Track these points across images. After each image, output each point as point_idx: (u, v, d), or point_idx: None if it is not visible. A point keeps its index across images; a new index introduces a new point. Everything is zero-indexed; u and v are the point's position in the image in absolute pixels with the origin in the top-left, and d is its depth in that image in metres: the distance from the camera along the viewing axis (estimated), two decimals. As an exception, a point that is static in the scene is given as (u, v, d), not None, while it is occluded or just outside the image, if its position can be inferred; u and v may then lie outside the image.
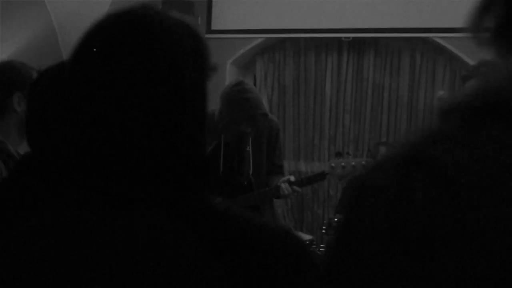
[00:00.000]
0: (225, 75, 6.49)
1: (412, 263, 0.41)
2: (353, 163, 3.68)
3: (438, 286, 0.40)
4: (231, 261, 0.89)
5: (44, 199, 0.98)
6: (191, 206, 0.93)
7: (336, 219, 3.97)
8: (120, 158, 0.91)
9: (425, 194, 0.41)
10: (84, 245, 0.89)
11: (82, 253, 0.89)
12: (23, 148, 2.42)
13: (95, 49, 0.92)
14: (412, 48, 6.46)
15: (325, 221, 4.90)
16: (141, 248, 0.88)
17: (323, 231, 4.31)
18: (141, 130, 0.90)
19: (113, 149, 0.91)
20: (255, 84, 6.98)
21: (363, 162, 3.70)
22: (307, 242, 3.78)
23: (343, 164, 3.66)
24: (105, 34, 0.93)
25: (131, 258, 0.87)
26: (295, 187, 3.64)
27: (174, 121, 0.91)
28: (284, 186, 3.61)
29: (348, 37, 6.48)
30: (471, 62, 5.06)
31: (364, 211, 0.45)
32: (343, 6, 6.29)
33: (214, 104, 3.44)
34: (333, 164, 3.70)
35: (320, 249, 3.84)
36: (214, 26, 6.73)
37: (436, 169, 0.41)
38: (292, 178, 3.69)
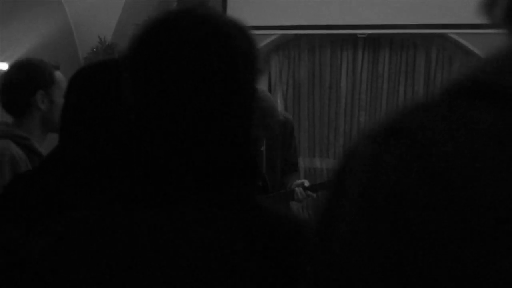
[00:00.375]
0: (240, 71, 6.47)
1: (380, 227, 0.42)
2: None
3: (406, 248, 0.41)
4: (273, 259, 0.89)
5: (86, 196, 0.99)
6: (240, 204, 0.94)
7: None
8: (174, 156, 0.91)
9: (397, 162, 0.42)
10: (132, 243, 0.89)
11: (132, 250, 0.89)
12: (46, 145, 2.44)
13: (155, 49, 0.91)
14: (428, 44, 6.43)
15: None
16: (188, 244, 0.88)
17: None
18: (197, 129, 0.90)
19: (167, 146, 0.91)
20: (269, 81, 6.97)
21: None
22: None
23: None
24: (166, 33, 0.92)
25: (177, 255, 0.87)
26: (309, 192, 3.65)
27: (228, 120, 0.92)
28: (299, 190, 3.62)
29: (364, 34, 6.46)
30: (488, 58, 5.02)
31: (342, 176, 0.47)
32: (359, 2, 6.27)
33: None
34: None
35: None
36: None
37: (411, 138, 0.42)
38: (306, 183, 3.69)
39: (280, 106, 6.85)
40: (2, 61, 5.62)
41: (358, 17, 6.29)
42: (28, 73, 2.45)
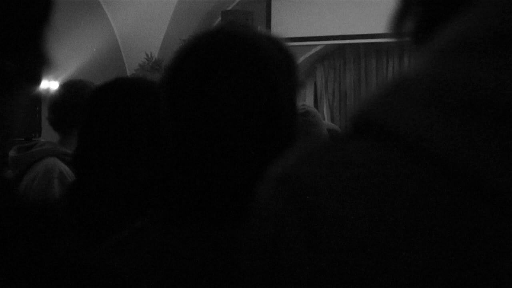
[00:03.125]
0: (286, 83, 6.48)
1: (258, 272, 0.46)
2: None
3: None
4: None
5: (136, 214, 0.99)
6: None
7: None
8: (216, 172, 0.92)
9: (280, 211, 0.44)
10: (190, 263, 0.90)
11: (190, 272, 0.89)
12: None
13: (191, 73, 0.92)
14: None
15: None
16: None
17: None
18: (238, 150, 0.91)
19: (210, 163, 0.91)
20: (315, 91, 6.96)
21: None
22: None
23: None
24: (201, 55, 0.92)
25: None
26: None
27: (269, 136, 0.92)
28: None
29: (409, 41, 6.39)
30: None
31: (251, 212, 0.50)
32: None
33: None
34: None
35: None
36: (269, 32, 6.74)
37: (294, 186, 0.44)
38: None
39: (326, 117, 6.83)
40: (54, 79, 5.75)
41: (403, 25, 6.23)
42: (79, 94, 2.51)
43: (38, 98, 3.60)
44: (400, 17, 0.49)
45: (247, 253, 0.49)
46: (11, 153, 2.51)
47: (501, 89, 0.36)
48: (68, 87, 2.58)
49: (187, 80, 0.92)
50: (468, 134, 0.37)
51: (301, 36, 6.58)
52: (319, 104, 7.00)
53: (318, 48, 6.73)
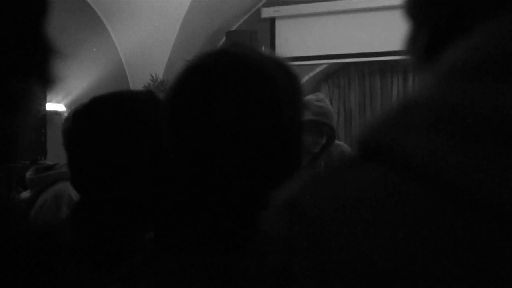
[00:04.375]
0: (290, 102, 6.50)
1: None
2: None
3: None
4: None
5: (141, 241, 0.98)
6: None
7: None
8: (219, 196, 0.91)
9: (287, 238, 0.44)
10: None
11: None
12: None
13: (193, 94, 0.91)
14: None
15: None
16: None
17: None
18: (240, 172, 0.90)
19: (213, 186, 0.90)
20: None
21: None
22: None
23: None
24: (204, 75, 0.92)
25: None
26: None
27: (273, 159, 0.91)
28: None
29: (413, 59, 6.40)
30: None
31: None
32: (405, 27, 6.22)
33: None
34: None
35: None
36: (278, 54, 6.76)
37: (301, 214, 0.44)
38: None
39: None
40: (58, 102, 5.77)
41: (407, 43, 6.24)
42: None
43: (44, 120, 3.61)
44: (411, 37, 0.49)
45: (256, 282, 0.48)
46: (28, 174, 2.54)
47: (509, 115, 0.36)
48: (75, 112, 2.59)
49: (190, 100, 0.91)
50: (476, 161, 0.36)
51: (306, 55, 6.60)
52: (324, 122, 7.00)
53: (322, 67, 6.74)
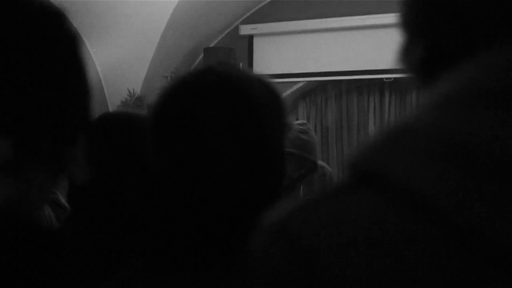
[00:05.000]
0: (268, 119, 6.50)
1: None
2: None
3: None
4: None
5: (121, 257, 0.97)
6: None
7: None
8: (203, 214, 0.90)
9: (278, 264, 0.44)
10: None
11: None
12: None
13: (179, 109, 0.90)
14: (455, 86, 6.40)
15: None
16: None
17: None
18: (224, 188, 0.89)
19: (196, 205, 0.90)
20: (297, 127, 6.97)
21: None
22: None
23: None
24: (189, 93, 0.91)
25: None
26: None
27: (257, 177, 0.90)
28: None
29: (390, 78, 6.47)
30: None
31: None
32: (383, 47, 6.29)
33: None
34: None
35: None
36: (256, 71, 6.78)
37: (291, 241, 0.43)
38: None
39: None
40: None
41: (383, 62, 6.31)
42: None
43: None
44: (405, 49, 0.49)
45: None
46: None
47: (505, 147, 0.35)
48: None
49: (174, 117, 0.91)
50: (473, 193, 0.35)
51: (283, 72, 6.63)
52: (301, 140, 7.01)
53: (300, 84, 6.77)
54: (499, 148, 0.35)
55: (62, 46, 0.59)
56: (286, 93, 6.79)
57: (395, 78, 6.46)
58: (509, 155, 0.35)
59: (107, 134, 1.27)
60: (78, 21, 6.34)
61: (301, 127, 3.57)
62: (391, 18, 5.94)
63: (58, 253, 0.61)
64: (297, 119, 6.97)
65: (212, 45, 7.12)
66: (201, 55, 6.92)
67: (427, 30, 0.46)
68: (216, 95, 0.90)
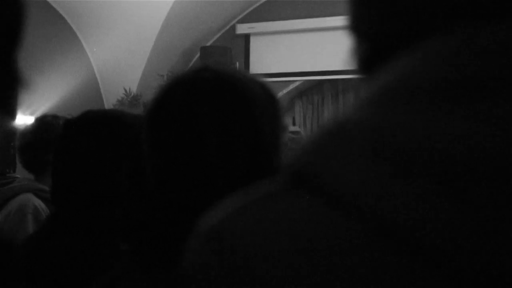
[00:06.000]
0: (264, 118, 6.52)
1: None
2: None
3: None
4: None
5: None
6: None
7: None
8: (197, 214, 0.89)
9: (211, 270, 0.43)
10: None
11: None
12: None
13: (174, 106, 0.90)
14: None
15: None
16: None
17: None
18: (218, 187, 0.89)
19: (190, 203, 0.89)
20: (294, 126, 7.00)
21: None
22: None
23: None
24: (185, 91, 0.91)
25: None
26: None
27: (252, 177, 0.90)
28: None
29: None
30: None
31: None
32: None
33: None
34: None
35: None
36: (252, 71, 6.80)
37: (226, 246, 0.42)
38: None
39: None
40: (30, 114, 5.71)
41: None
42: (43, 132, 2.49)
43: (13, 133, 3.57)
44: (353, 50, 0.48)
45: None
46: None
47: (444, 150, 0.33)
48: (32, 127, 2.56)
49: (169, 116, 0.91)
50: (404, 195, 0.34)
51: (280, 71, 6.63)
52: (298, 139, 7.03)
53: (296, 83, 6.77)
54: (423, 146, 0.34)
55: None
56: (282, 92, 6.79)
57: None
58: (436, 152, 0.34)
59: (111, 130, 1.26)
60: (75, 21, 6.35)
61: (292, 135, 3.56)
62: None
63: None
64: (293, 124, 6.98)
65: (208, 44, 7.12)
66: (198, 54, 6.92)
67: (367, 31, 0.45)
68: (211, 92, 0.90)
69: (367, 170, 0.36)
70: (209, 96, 0.90)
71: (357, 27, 0.46)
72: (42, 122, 2.54)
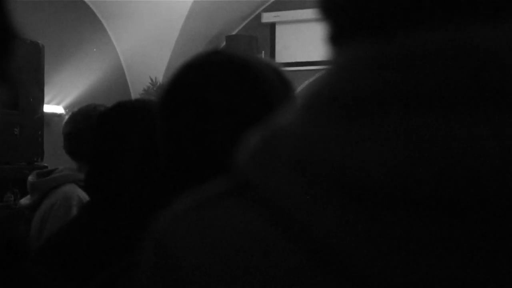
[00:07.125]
0: (290, 107, 6.50)
1: None
2: None
3: None
4: None
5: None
6: None
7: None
8: None
9: (148, 274, 0.44)
10: None
11: None
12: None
13: (186, 90, 0.90)
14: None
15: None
16: None
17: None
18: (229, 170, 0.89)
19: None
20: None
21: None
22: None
23: None
24: (196, 73, 0.91)
25: None
26: None
27: None
28: None
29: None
30: None
31: None
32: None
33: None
34: None
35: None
36: (278, 60, 6.78)
37: (159, 251, 0.43)
38: None
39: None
40: (56, 104, 5.76)
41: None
42: (88, 122, 2.50)
43: (41, 122, 3.59)
44: (326, 40, 0.48)
45: None
46: (30, 178, 2.52)
47: (367, 166, 0.33)
48: (82, 115, 2.57)
49: (181, 99, 0.91)
50: (329, 209, 0.34)
51: (306, 60, 6.60)
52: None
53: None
54: (336, 162, 0.34)
55: None
56: (308, 81, 6.75)
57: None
58: (347, 168, 0.34)
59: (122, 124, 1.27)
60: (99, 9, 6.38)
61: None
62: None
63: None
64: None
65: (234, 32, 7.11)
66: (223, 43, 6.92)
67: (331, 10, 0.45)
68: (222, 75, 0.90)
69: (295, 184, 0.36)
70: (220, 79, 0.89)
71: (324, 6, 0.46)
72: (91, 112, 2.55)
